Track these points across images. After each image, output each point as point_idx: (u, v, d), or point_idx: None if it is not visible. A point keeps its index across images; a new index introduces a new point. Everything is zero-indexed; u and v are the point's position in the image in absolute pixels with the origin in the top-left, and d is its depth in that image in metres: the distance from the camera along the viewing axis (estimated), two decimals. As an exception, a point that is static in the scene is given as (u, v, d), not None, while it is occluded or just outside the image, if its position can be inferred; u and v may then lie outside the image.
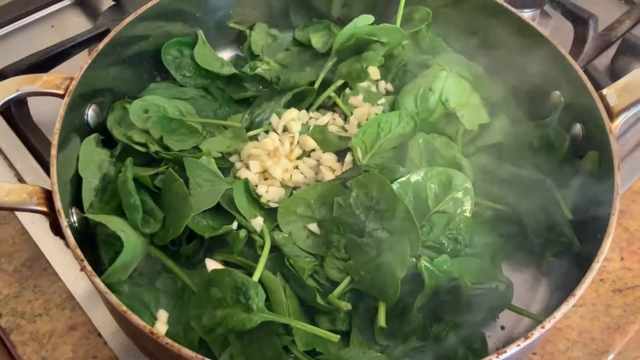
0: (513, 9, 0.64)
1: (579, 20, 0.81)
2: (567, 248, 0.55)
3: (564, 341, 0.60)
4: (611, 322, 0.61)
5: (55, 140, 0.49)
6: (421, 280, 0.50)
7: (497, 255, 0.55)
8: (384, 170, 0.55)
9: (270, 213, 0.56)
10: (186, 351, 0.39)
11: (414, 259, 0.50)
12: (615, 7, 0.88)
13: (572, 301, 0.43)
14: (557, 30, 0.84)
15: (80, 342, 0.58)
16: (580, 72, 0.56)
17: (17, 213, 0.66)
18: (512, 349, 0.40)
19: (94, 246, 0.55)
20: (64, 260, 0.62)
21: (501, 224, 0.56)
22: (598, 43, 0.80)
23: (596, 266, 0.45)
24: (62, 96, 0.53)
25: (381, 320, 0.48)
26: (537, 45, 0.62)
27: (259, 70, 0.66)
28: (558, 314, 0.42)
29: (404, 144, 0.59)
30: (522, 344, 0.40)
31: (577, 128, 0.58)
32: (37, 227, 0.65)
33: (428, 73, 0.61)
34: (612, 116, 0.53)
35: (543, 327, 0.41)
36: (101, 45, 0.56)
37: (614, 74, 0.80)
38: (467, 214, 0.54)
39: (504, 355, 0.40)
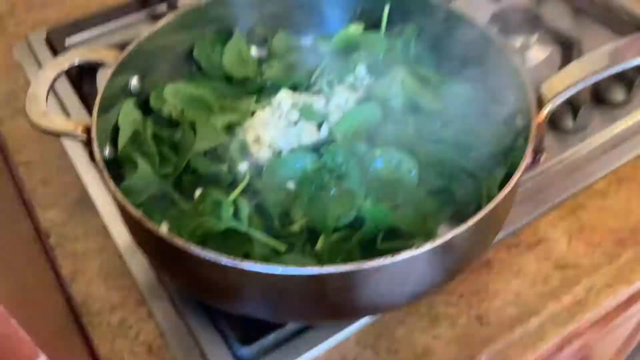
0: (482, 27, 0.75)
1: (565, 45, 0.91)
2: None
3: (501, 301, 0.69)
4: (546, 290, 0.70)
5: (100, 92, 0.66)
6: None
7: (434, 215, 0.65)
8: (352, 145, 0.69)
9: (257, 169, 0.71)
10: (162, 232, 0.53)
11: (353, 212, 0.63)
12: (603, 34, 0.97)
13: (462, 227, 0.53)
14: (553, 59, 0.94)
15: (106, 261, 0.74)
16: (520, 69, 0.67)
17: (75, 164, 0.83)
18: (405, 255, 0.51)
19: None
20: (105, 202, 0.79)
21: (441, 195, 0.67)
22: (584, 67, 0.90)
23: (490, 206, 0.55)
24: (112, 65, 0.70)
25: (319, 245, 0.61)
26: (500, 57, 0.73)
27: (265, 76, 0.81)
28: (449, 235, 0.52)
29: (374, 128, 0.72)
30: (414, 252, 0.51)
31: (518, 118, 0.68)
32: (89, 176, 0.82)
33: (392, 69, 0.75)
34: (540, 105, 0.64)
35: (434, 241, 0.52)
36: (145, 34, 0.74)
37: (599, 94, 0.89)
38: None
39: (399, 258, 0.51)
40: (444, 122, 0.75)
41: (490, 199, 0.65)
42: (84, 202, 0.80)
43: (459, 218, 0.68)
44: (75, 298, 0.70)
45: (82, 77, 0.90)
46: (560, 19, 1.00)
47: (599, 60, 0.64)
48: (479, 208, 0.66)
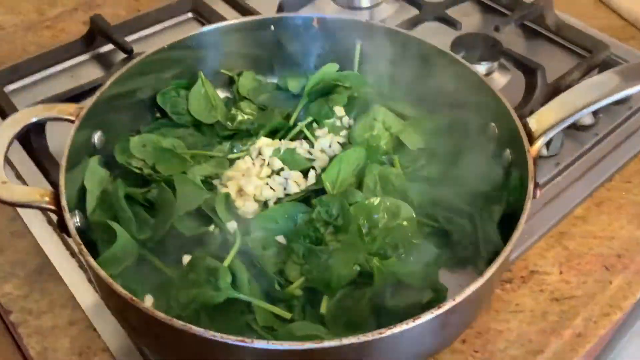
0: (458, 57, 0.74)
1: (528, 71, 0.92)
2: (497, 255, 0.63)
3: (504, 342, 0.67)
4: (547, 326, 0.69)
5: (65, 152, 0.60)
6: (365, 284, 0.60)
7: (435, 263, 0.63)
8: (345, 193, 0.66)
9: (245, 223, 0.66)
10: (160, 314, 0.48)
11: (357, 267, 0.60)
12: (567, 60, 0.99)
13: (480, 281, 0.51)
14: (514, 83, 0.94)
15: (78, 335, 0.67)
16: (507, 105, 0.67)
17: (31, 228, 0.76)
18: (427, 316, 0.48)
19: (93, 251, 0.65)
20: (69, 268, 0.72)
21: (438, 238, 0.65)
22: (548, 90, 0.91)
23: (503, 255, 0.53)
24: (73, 121, 0.64)
25: (323, 308, 0.58)
26: (477, 88, 0.72)
27: (238, 121, 0.77)
28: (469, 290, 0.50)
29: (361, 171, 0.69)
30: (436, 312, 0.48)
31: (507, 152, 0.67)
32: (47, 240, 0.75)
33: (372, 109, 0.73)
34: (532, 140, 0.63)
35: (454, 300, 0.49)
36: (108, 83, 0.68)
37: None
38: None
39: (419, 321, 0.48)
40: (428, 160, 0.73)
41: (487, 239, 0.64)
42: (45, 270, 0.72)
43: (456, 261, 0.67)
44: (47, 383, 0.63)
45: (28, 133, 0.82)
46: (518, 44, 1.02)
47: (585, 93, 0.64)
48: (476, 249, 0.66)
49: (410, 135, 0.72)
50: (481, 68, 0.94)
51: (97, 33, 0.96)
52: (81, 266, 0.72)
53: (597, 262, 0.74)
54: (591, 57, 0.96)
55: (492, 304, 0.70)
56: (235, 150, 0.73)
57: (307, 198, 0.67)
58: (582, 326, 0.69)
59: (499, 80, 0.97)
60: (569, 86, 0.91)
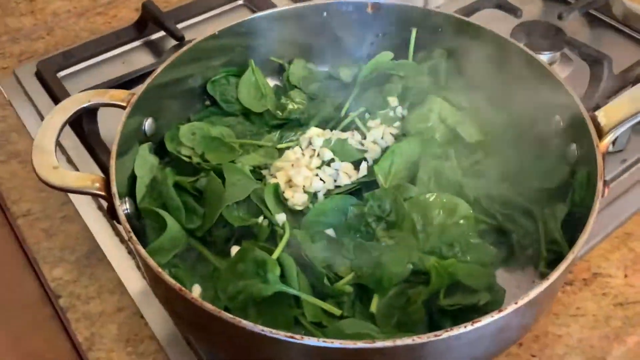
0: (521, 46, 0.71)
1: (594, 61, 0.87)
2: (560, 256, 0.60)
3: (563, 347, 0.64)
4: (610, 332, 0.65)
5: (116, 138, 0.59)
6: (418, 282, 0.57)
7: (492, 263, 0.60)
8: (398, 187, 0.64)
9: (293, 214, 0.64)
10: (209, 306, 0.47)
11: (410, 265, 0.57)
12: (634, 50, 0.93)
13: (543, 285, 0.48)
14: (578, 74, 0.90)
15: (125, 322, 0.67)
16: (576, 98, 0.63)
17: (82, 213, 0.76)
18: (487, 320, 0.45)
19: (142, 238, 0.64)
20: (118, 254, 0.72)
21: (495, 236, 0.62)
22: (614, 83, 0.86)
23: (570, 256, 0.50)
24: (124, 107, 0.63)
25: (373, 307, 0.55)
26: (541, 78, 0.68)
27: (288, 110, 0.75)
28: (532, 293, 0.47)
29: (415, 164, 0.67)
30: (496, 315, 0.46)
31: (573, 147, 0.63)
32: (97, 226, 0.75)
33: (427, 100, 0.70)
34: (601, 134, 0.59)
35: (516, 303, 0.46)
36: (159, 69, 0.67)
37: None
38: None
39: (478, 324, 0.45)
40: (486, 154, 0.69)
41: (550, 238, 0.61)
42: (94, 255, 0.72)
43: (514, 261, 0.64)
44: (95, 369, 0.63)
45: (81, 118, 0.82)
46: (582, 33, 0.97)
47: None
48: (537, 249, 0.62)
49: (468, 128, 0.69)
50: (543, 58, 0.89)
51: (148, 20, 0.96)
52: (130, 252, 0.72)
53: (665, 266, 0.70)
54: (661, 48, 0.91)
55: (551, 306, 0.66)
56: (284, 140, 0.72)
57: (358, 190, 0.65)
58: (648, 333, 0.65)
59: (562, 71, 0.92)
60: (637, 79, 0.86)
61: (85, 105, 0.63)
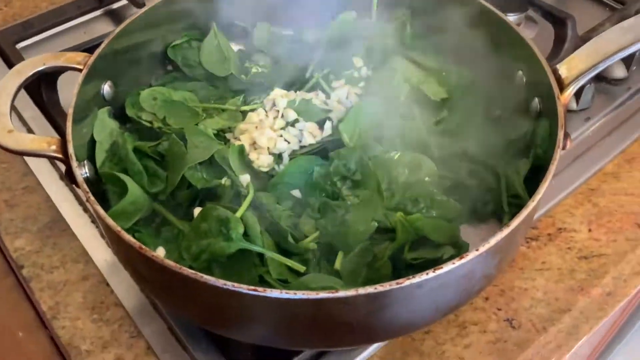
0: (484, 3, 0.70)
1: (558, 21, 0.87)
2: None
3: (529, 300, 0.64)
4: (575, 284, 0.66)
5: (73, 101, 0.58)
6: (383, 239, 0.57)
7: (457, 219, 0.60)
8: (363, 147, 0.63)
9: (258, 177, 0.64)
10: (170, 263, 0.46)
11: (375, 223, 0.57)
12: (598, 12, 0.94)
13: (504, 232, 0.48)
14: (542, 36, 0.90)
15: (90, 290, 0.66)
16: (537, 52, 0.63)
17: (43, 184, 0.74)
18: (448, 267, 0.45)
19: (104, 202, 0.63)
20: (81, 222, 0.71)
21: (459, 192, 0.62)
22: (578, 43, 0.86)
23: (531, 204, 0.50)
24: (81, 70, 0.62)
25: (337, 264, 0.55)
26: (504, 35, 0.68)
27: (252, 74, 0.74)
28: (493, 240, 0.47)
29: (380, 123, 0.66)
30: (457, 262, 0.46)
31: (536, 101, 0.63)
32: (59, 195, 0.73)
33: (391, 60, 0.69)
34: (562, 87, 0.59)
35: (477, 250, 0.47)
36: (116, 31, 0.66)
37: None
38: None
39: (440, 271, 0.45)
40: (450, 112, 0.69)
41: (512, 192, 0.61)
42: (57, 224, 0.71)
43: (478, 216, 0.64)
44: (60, 337, 0.62)
45: (40, 85, 0.80)
46: (546, -6, 0.96)
47: (618, 37, 0.60)
48: (500, 204, 0.62)
49: (432, 86, 0.69)
50: (511, 19, 0.89)
51: (109, -13, 0.93)
52: (93, 221, 0.71)
53: (628, 220, 0.71)
54: (624, 8, 0.91)
55: (516, 261, 0.67)
56: (249, 103, 0.71)
57: (323, 150, 0.65)
58: (612, 285, 0.66)
59: (527, 32, 0.92)
60: (600, 38, 0.86)
61: (40, 68, 0.61)
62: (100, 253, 0.68)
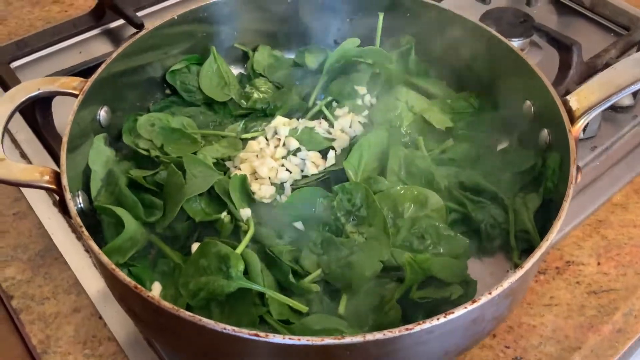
0: (492, 31, 0.69)
1: (564, 47, 0.86)
2: (531, 246, 0.58)
3: (537, 337, 0.62)
4: (585, 321, 0.63)
5: (68, 128, 0.56)
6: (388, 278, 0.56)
7: (464, 254, 0.58)
8: (369, 180, 0.61)
9: (259, 207, 0.61)
10: (167, 305, 0.44)
11: (381, 264, 0.55)
12: (603, 38, 0.93)
13: (516, 275, 0.46)
14: (547, 61, 0.89)
15: (82, 323, 0.63)
16: (547, 82, 0.61)
17: (35, 210, 0.72)
18: (460, 311, 0.43)
19: (99, 232, 0.61)
20: (74, 251, 0.68)
21: (466, 225, 0.60)
22: (584, 69, 0.85)
23: (545, 244, 0.48)
24: (77, 96, 0.60)
25: (341, 308, 0.53)
26: (512, 63, 0.67)
27: (253, 99, 0.72)
28: (505, 283, 0.45)
29: (384, 153, 0.64)
30: (469, 307, 0.44)
31: (544, 133, 0.62)
32: (52, 222, 0.71)
33: (395, 89, 0.68)
34: (572, 119, 0.58)
35: (490, 294, 0.45)
36: (114, 55, 0.64)
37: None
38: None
39: (451, 316, 0.43)
40: (456, 141, 0.68)
41: (520, 228, 0.59)
42: (49, 252, 0.69)
43: (485, 250, 0.62)
44: (50, 373, 0.59)
45: (34, 109, 0.77)
46: (550, 20, 0.96)
47: (631, 69, 0.58)
48: (506, 237, 0.61)
49: (436, 115, 0.67)
50: (515, 44, 0.88)
51: (106, 7, 0.92)
52: (87, 250, 0.68)
53: (637, 253, 0.69)
54: (629, 34, 0.90)
55: (524, 296, 0.65)
56: (249, 131, 0.69)
57: (326, 180, 0.63)
58: (622, 321, 0.64)
59: (531, 58, 0.90)
60: (606, 65, 0.85)
61: (34, 94, 0.59)
62: (93, 284, 0.66)
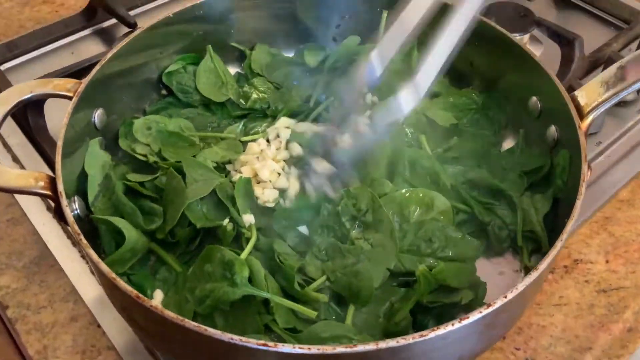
0: (497, 26, 0.67)
1: (565, 42, 0.84)
2: (539, 245, 0.57)
3: (548, 338, 0.61)
4: (595, 320, 0.62)
5: (62, 132, 0.54)
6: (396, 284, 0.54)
7: (472, 256, 0.57)
8: (374, 183, 0.60)
9: (262, 211, 0.60)
10: (170, 314, 0.42)
11: (388, 272, 0.54)
12: (603, 32, 0.92)
13: (534, 275, 0.45)
14: (547, 56, 0.87)
15: (80, 332, 0.61)
16: (554, 78, 0.60)
17: (30, 215, 0.70)
18: (475, 316, 0.42)
19: (96, 238, 0.59)
20: (70, 258, 0.66)
21: (473, 225, 0.59)
22: (586, 63, 0.84)
23: (559, 244, 0.47)
24: (71, 98, 0.58)
25: (348, 319, 0.51)
26: (517, 59, 0.65)
27: (252, 99, 0.70)
28: (520, 286, 0.44)
29: (390, 155, 0.63)
30: (484, 311, 0.42)
31: (552, 129, 0.61)
32: (46, 228, 0.69)
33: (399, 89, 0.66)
34: (581, 115, 0.57)
35: (505, 297, 0.43)
36: (109, 55, 0.62)
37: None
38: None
39: (466, 322, 0.42)
40: (460, 139, 0.66)
41: (529, 228, 0.58)
42: (45, 259, 0.67)
43: (493, 250, 0.61)
44: (48, 385, 0.58)
45: (26, 112, 0.75)
46: (550, 14, 0.94)
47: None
48: (514, 237, 0.59)
49: (438, 112, 0.65)
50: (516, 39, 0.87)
51: (98, 6, 0.90)
52: (83, 256, 0.66)
53: (646, 249, 0.68)
54: (630, 28, 0.89)
55: (532, 296, 0.64)
56: (249, 132, 0.67)
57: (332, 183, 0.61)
58: (632, 320, 0.63)
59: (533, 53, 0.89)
60: (608, 59, 0.84)
61: (26, 96, 0.57)
62: (91, 291, 0.64)
